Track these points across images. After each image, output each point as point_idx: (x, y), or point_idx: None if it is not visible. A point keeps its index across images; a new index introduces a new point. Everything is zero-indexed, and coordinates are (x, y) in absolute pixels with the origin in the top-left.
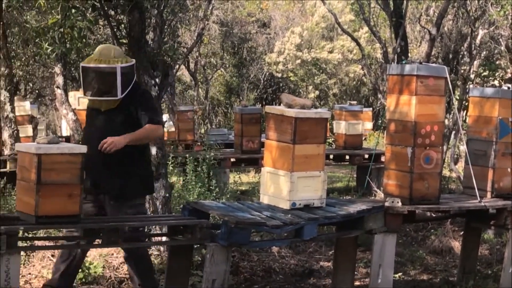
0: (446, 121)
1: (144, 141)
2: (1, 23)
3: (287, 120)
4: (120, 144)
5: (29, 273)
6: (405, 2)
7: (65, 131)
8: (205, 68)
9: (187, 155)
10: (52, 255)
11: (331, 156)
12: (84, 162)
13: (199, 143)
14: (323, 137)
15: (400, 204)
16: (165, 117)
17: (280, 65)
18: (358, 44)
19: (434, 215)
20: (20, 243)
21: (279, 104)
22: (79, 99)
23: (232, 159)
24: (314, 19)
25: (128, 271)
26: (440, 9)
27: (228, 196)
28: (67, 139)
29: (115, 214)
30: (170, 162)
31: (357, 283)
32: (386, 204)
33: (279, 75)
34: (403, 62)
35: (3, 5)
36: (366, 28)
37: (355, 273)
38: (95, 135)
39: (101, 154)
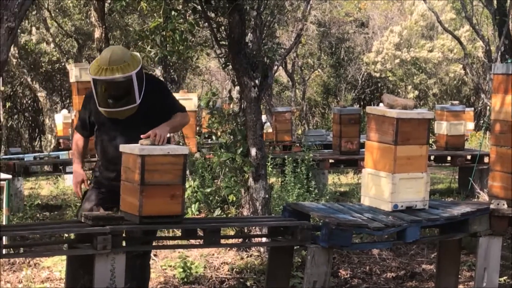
0: None
1: (178, 129)
2: (104, 26)
3: (389, 121)
4: (166, 134)
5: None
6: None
7: None
8: (302, 68)
9: (285, 156)
10: (155, 255)
11: (432, 157)
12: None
13: (297, 144)
14: (426, 138)
15: (506, 206)
16: (263, 118)
17: (378, 65)
18: (460, 42)
19: None
20: (124, 243)
21: (378, 104)
22: (179, 101)
23: (331, 160)
24: (413, 17)
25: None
26: None
27: (328, 197)
28: (167, 140)
29: None
30: (268, 163)
31: (460, 286)
32: (492, 206)
33: (377, 75)
34: (509, 61)
35: (106, 9)
36: (467, 27)
37: (459, 276)
38: (121, 143)
39: None
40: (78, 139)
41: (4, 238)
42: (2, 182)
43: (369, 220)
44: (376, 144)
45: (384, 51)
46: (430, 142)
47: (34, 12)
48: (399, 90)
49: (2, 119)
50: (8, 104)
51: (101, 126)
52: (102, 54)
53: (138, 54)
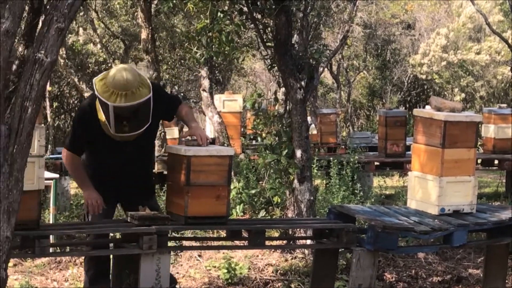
0: None
1: None
2: (150, 27)
3: (436, 124)
4: (205, 134)
5: (177, 273)
6: None
7: (210, 133)
8: (348, 70)
9: (330, 158)
10: (199, 255)
11: (479, 161)
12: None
13: (342, 146)
14: (474, 141)
15: None
16: (308, 119)
17: (424, 67)
18: (508, 45)
19: None
20: (169, 243)
21: (424, 107)
22: (224, 102)
23: (376, 163)
24: (460, 19)
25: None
26: None
27: (373, 200)
28: (212, 141)
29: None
30: (313, 165)
31: None
32: None
33: (424, 77)
34: None
35: (152, 10)
36: None
37: (506, 281)
38: (128, 157)
39: (140, 167)
40: (76, 159)
41: (51, 236)
42: (49, 181)
43: (416, 223)
44: (423, 147)
45: (431, 53)
46: (477, 145)
47: (81, 13)
48: (445, 93)
49: (49, 119)
50: (55, 104)
51: (105, 145)
52: (115, 79)
53: (135, 68)
